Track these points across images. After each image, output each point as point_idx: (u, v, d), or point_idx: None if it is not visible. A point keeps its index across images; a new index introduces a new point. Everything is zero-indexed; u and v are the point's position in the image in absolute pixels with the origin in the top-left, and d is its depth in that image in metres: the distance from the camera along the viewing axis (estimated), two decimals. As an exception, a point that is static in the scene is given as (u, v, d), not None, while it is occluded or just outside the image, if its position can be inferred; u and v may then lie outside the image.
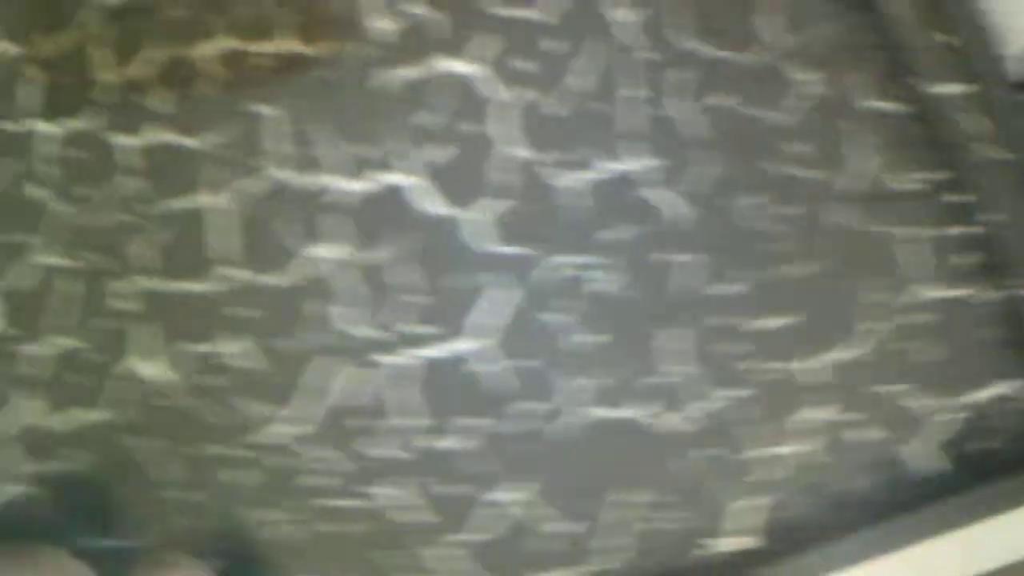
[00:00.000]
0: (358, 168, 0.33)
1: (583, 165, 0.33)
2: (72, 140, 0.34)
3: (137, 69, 0.34)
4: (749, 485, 0.32)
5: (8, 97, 0.33)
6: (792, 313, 0.32)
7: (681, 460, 0.31)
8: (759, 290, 0.32)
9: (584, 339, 0.32)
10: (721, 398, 0.32)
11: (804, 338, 0.32)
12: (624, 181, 0.33)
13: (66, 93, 0.34)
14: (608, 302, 0.32)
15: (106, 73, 0.34)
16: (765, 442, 0.32)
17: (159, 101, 0.34)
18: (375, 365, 0.32)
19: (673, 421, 0.32)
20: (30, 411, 0.32)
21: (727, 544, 0.31)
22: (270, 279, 0.32)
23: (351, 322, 0.32)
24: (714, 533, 0.32)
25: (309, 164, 0.33)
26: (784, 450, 0.32)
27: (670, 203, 0.32)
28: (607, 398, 0.32)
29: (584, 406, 0.32)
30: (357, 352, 0.32)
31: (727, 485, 0.32)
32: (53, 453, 0.31)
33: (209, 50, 0.34)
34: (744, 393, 0.32)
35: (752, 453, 0.32)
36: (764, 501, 0.32)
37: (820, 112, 0.33)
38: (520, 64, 0.33)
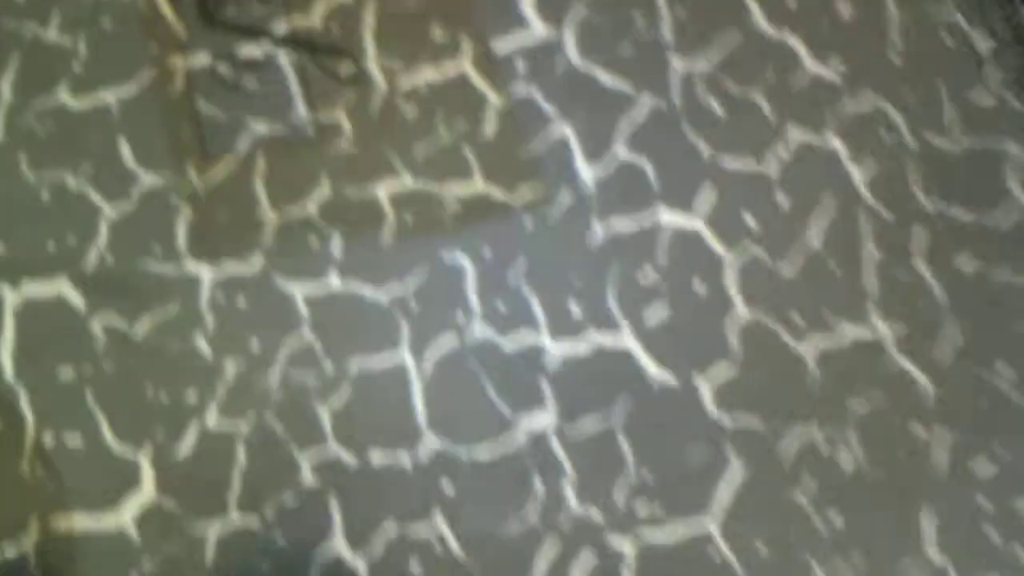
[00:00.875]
0: (567, 327, 0.29)
1: (821, 328, 0.29)
2: (236, 285, 0.29)
3: (307, 207, 0.30)
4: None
5: (165, 236, 0.29)
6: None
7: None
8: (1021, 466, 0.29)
9: (834, 517, 0.28)
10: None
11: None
12: (867, 346, 0.29)
13: (227, 232, 0.29)
14: (856, 477, 0.29)
15: (273, 211, 0.30)
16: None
17: (335, 246, 0.29)
18: (609, 552, 0.28)
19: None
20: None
21: None
22: (480, 450, 0.28)
23: (574, 499, 0.28)
24: None
25: (514, 321, 0.29)
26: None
27: (919, 370, 0.29)
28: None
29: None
30: (588, 534, 0.27)
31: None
32: None
33: (390, 190, 0.30)
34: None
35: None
36: None
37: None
38: (749, 219, 0.30)
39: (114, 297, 0.32)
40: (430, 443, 0.32)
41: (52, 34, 0.34)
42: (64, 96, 0.33)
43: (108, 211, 0.32)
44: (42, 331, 0.32)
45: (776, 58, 0.35)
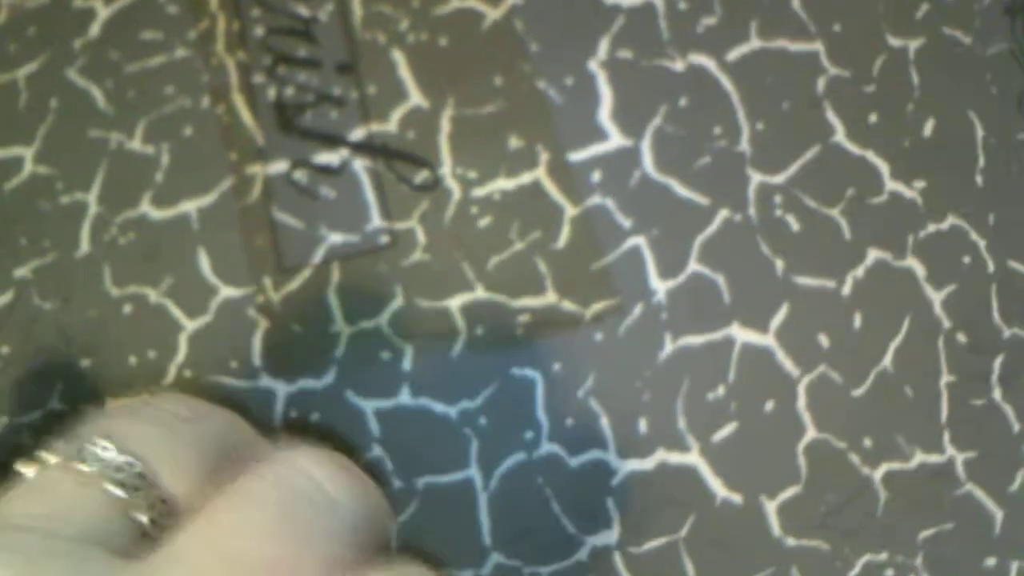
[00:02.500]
0: (634, 443, 0.29)
1: (891, 452, 0.29)
2: (311, 403, 0.29)
3: (378, 321, 0.30)
4: None
5: (241, 350, 0.29)
6: None
7: None
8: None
9: None
10: None
11: None
12: (937, 472, 0.29)
13: (302, 346, 0.30)
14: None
15: (343, 324, 0.30)
16: None
17: (407, 360, 0.30)
18: None
19: None
20: None
21: None
22: (544, 568, 0.28)
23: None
24: None
25: (582, 439, 0.29)
26: None
27: (988, 497, 0.29)
28: None
29: None
30: None
31: None
32: None
33: (462, 301, 0.30)
34: None
35: None
36: None
37: None
38: (824, 340, 0.30)
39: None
40: (495, 559, 0.32)
41: (136, 144, 0.35)
42: (147, 206, 0.34)
43: (187, 324, 0.33)
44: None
45: (856, 175, 0.35)
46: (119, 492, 0.23)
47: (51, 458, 0.24)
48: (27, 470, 0.24)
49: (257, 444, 0.27)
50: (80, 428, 0.25)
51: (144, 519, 0.23)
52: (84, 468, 0.24)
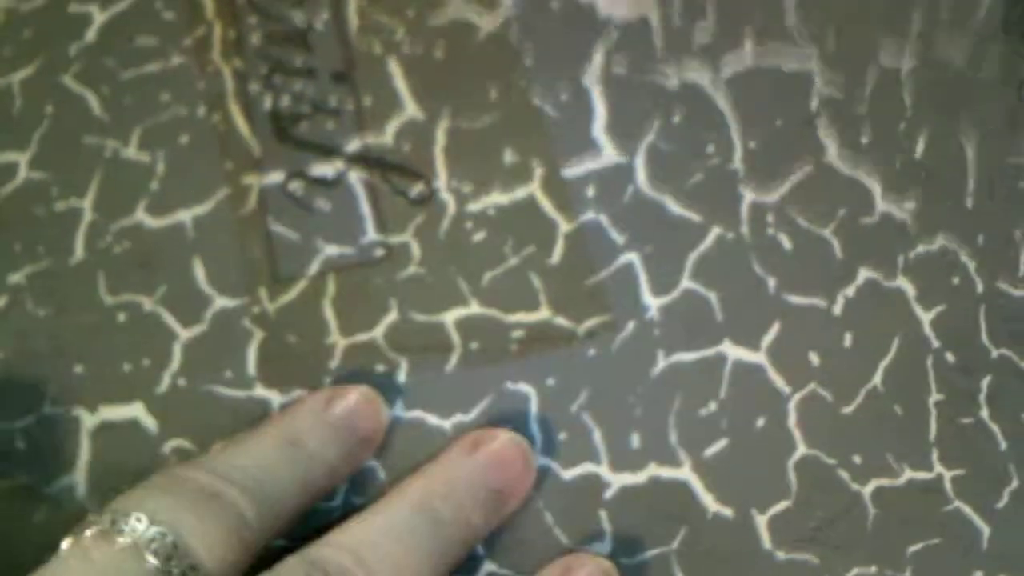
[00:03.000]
0: (627, 458, 0.29)
1: (881, 468, 0.29)
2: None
3: (374, 334, 0.30)
4: None
5: (232, 360, 0.30)
6: None
7: None
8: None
9: None
10: None
11: None
12: (925, 489, 0.29)
13: (297, 358, 0.30)
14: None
15: (341, 336, 0.30)
16: None
17: (401, 373, 0.30)
18: None
19: None
20: None
21: None
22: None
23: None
24: None
25: (575, 453, 0.29)
26: None
27: (975, 513, 0.29)
28: None
29: None
30: None
31: None
32: None
33: (456, 315, 0.30)
34: None
35: None
36: None
37: None
38: (815, 357, 0.30)
39: (186, 421, 0.33)
40: (487, 568, 0.33)
41: (132, 152, 0.35)
42: (142, 215, 0.34)
43: (182, 333, 0.33)
44: (115, 454, 0.33)
45: (847, 195, 0.35)
46: (154, 561, 0.24)
47: (87, 531, 0.25)
48: (64, 543, 0.25)
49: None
50: (111, 503, 0.26)
51: None
52: (120, 540, 0.24)
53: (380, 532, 0.27)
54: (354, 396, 0.29)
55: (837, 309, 0.33)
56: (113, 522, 0.25)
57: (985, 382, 0.32)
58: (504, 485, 0.29)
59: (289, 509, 0.27)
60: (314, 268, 0.33)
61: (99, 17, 0.35)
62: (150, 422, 0.31)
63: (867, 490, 0.32)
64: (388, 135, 0.34)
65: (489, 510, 0.29)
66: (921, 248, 0.33)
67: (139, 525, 0.25)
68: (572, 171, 0.34)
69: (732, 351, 0.32)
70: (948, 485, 0.32)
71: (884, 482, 0.32)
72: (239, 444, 0.28)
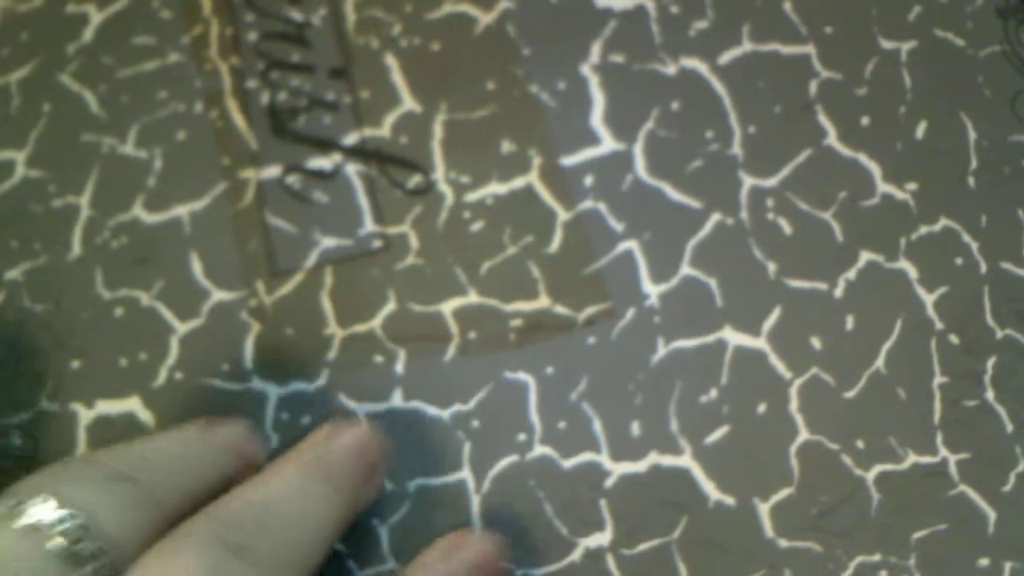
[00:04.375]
0: (627, 446, 0.29)
1: (884, 453, 0.29)
2: (303, 407, 0.29)
3: (372, 325, 0.30)
4: None
5: (229, 353, 0.29)
6: None
7: None
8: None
9: None
10: None
11: None
12: (930, 473, 0.29)
13: (294, 350, 0.30)
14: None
15: (339, 327, 0.30)
16: None
17: (399, 364, 0.30)
18: None
19: None
20: None
21: None
22: (538, 571, 0.28)
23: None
24: None
25: (575, 442, 0.29)
26: None
27: (980, 498, 0.29)
28: None
29: None
30: None
31: None
32: None
33: (455, 305, 0.30)
34: None
35: None
36: None
37: None
38: (816, 342, 0.30)
39: (182, 414, 0.33)
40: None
41: (129, 148, 0.35)
42: (139, 210, 0.34)
43: (179, 327, 0.33)
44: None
45: (848, 178, 0.35)
46: (61, 542, 0.23)
47: None
48: None
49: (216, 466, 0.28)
50: (16, 485, 0.25)
51: (88, 569, 0.24)
52: (19, 522, 0.24)
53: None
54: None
55: (838, 292, 0.32)
56: (17, 504, 0.24)
57: (990, 363, 0.32)
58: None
59: (204, 496, 0.27)
60: (312, 260, 0.33)
61: (96, 17, 0.35)
62: (146, 416, 0.31)
63: (870, 475, 0.31)
64: (385, 128, 0.34)
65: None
66: (923, 229, 0.33)
67: (44, 507, 0.24)
68: (570, 160, 0.33)
69: (733, 337, 0.32)
70: (953, 469, 0.31)
71: (888, 467, 0.31)
72: (160, 434, 0.28)
